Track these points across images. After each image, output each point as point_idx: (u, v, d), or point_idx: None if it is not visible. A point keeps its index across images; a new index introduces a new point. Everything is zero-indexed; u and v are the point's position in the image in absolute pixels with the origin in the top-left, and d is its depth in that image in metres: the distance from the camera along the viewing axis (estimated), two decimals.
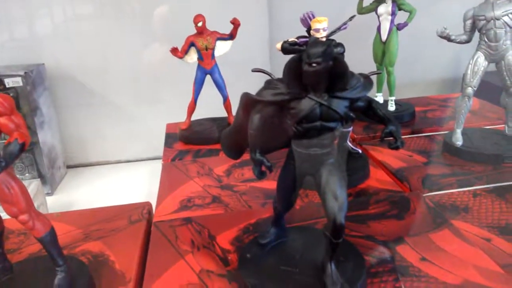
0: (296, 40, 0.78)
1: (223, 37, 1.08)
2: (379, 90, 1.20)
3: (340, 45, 0.78)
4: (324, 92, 0.48)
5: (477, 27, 0.88)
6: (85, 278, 0.57)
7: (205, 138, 1.09)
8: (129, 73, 1.41)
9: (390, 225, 0.67)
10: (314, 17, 0.80)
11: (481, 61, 0.89)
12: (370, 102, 0.51)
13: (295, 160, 0.52)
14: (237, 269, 0.57)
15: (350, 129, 0.89)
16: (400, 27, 1.11)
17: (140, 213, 0.75)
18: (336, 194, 0.48)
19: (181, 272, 0.59)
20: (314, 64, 0.45)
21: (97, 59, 1.39)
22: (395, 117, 1.12)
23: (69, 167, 1.49)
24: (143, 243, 0.67)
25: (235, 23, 1.06)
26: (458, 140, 0.93)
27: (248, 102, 0.50)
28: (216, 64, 1.09)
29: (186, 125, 1.13)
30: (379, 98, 1.20)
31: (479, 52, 0.89)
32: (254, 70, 0.85)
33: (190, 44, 1.06)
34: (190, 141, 1.10)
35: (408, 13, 1.09)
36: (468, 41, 0.90)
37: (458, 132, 0.94)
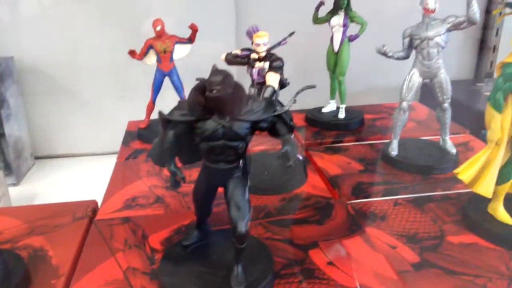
0: (238, 52, 0.84)
1: (182, 41, 1.12)
2: (332, 97, 1.26)
3: (279, 59, 0.84)
4: (228, 115, 0.53)
5: (413, 45, 0.94)
6: (20, 272, 0.62)
7: None
8: (98, 67, 1.45)
9: (310, 230, 0.73)
10: (258, 31, 0.85)
11: (416, 78, 0.95)
12: (275, 123, 0.56)
13: (205, 173, 0.58)
14: (158, 268, 0.62)
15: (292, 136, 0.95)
16: (351, 38, 1.16)
17: (84, 211, 0.80)
18: (239, 205, 0.54)
19: (109, 269, 0.64)
20: (214, 91, 0.51)
21: (66, 52, 1.42)
22: (344, 124, 1.19)
23: (37, 158, 1.53)
24: (81, 240, 0.72)
25: (193, 28, 1.10)
26: (394, 150, 1.00)
27: (162, 119, 0.56)
28: (174, 67, 1.13)
29: (145, 124, 1.18)
30: (332, 105, 1.26)
31: (414, 69, 0.95)
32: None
33: (149, 46, 1.10)
34: (147, 140, 1.14)
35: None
36: (405, 57, 0.96)
37: (395, 142, 1.01)
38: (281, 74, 0.87)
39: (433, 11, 0.91)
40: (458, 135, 1.15)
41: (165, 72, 1.12)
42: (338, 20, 1.15)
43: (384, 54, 0.96)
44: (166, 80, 1.13)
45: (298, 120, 1.27)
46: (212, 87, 0.51)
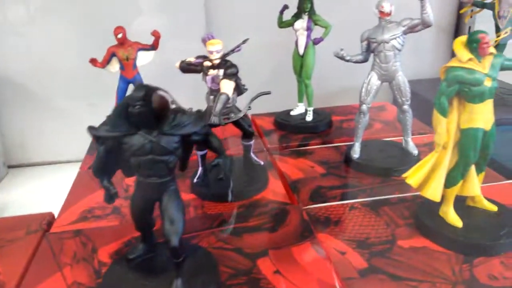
0: (191, 60, 0.84)
1: (145, 48, 1.12)
2: (300, 100, 1.26)
3: (233, 66, 0.84)
4: (155, 129, 0.53)
5: (371, 48, 0.94)
6: None
7: None
8: (71, 75, 1.44)
9: (262, 237, 0.73)
10: (212, 38, 0.85)
11: (374, 81, 0.95)
12: (207, 135, 0.56)
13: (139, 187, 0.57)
14: (101, 282, 0.62)
15: (251, 142, 0.95)
16: (316, 41, 1.17)
17: (39, 224, 0.80)
18: (172, 219, 0.54)
19: (55, 284, 0.64)
20: (136, 107, 0.51)
21: (40, 60, 1.42)
22: (312, 127, 1.19)
23: (10, 167, 1.52)
24: (32, 255, 0.72)
25: (155, 35, 1.10)
26: (355, 153, 1.00)
27: (92, 135, 0.55)
28: (138, 74, 1.13)
29: None
30: (300, 108, 1.26)
31: (372, 72, 0.95)
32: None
33: (111, 54, 1.10)
34: None
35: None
36: (364, 60, 0.97)
37: (356, 145, 1.01)
38: (238, 80, 0.87)
39: (388, 14, 0.91)
40: (424, 135, 1.15)
41: (129, 79, 1.12)
42: (301, 23, 1.15)
43: (342, 58, 0.96)
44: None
45: (267, 124, 1.27)
46: (134, 102, 0.51)
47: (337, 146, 1.11)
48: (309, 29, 1.15)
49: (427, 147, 1.07)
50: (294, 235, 0.73)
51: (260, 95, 0.85)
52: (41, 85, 1.45)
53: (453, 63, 0.66)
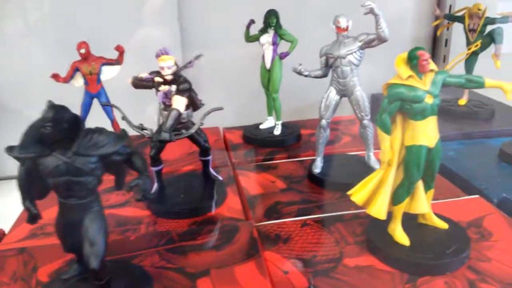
0: (143, 76, 0.83)
1: (110, 62, 1.11)
2: (269, 114, 1.26)
3: (186, 81, 0.83)
4: (69, 150, 0.52)
5: (329, 63, 0.93)
6: None
7: None
8: (41, 88, 1.43)
9: (206, 256, 0.72)
10: (166, 53, 0.84)
11: (333, 96, 0.95)
12: (131, 155, 0.55)
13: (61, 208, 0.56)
14: None
15: (209, 157, 0.94)
16: (282, 56, 1.16)
17: None
18: (93, 241, 0.53)
19: None
20: (47, 127, 0.50)
21: (8, 73, 1.41)
22: (279, 140, 1.19)
23: None
24: None
25: (119, 50, 1.10)
26: (317, 167, 0.99)
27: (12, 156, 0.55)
28: (102, 88, 1.12)
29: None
30: (270, 122, 1.26)
31: (331, 87, 0.95)
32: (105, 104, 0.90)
33: (75, 69, 1.10)
34: None
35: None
36: (323, 75, 0.96)
37: (318, 160, 1.00)
38: (194, 95, 0.86)
39: (344, 29, 0.91)
40: None
41: (93, 94, 1.12)
42: (267, 38, 1.15)
43: (299, 73, 0.95)
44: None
45: (236, 138, 1.26)
46: (45, 123, 0.50)
47: (302, 161, 1.10)
48: (275, 43, 1.15)
49: None
50: (240, 254, 0.72)
51: (212, 111, 0.85)
52: (10, 98, 1.44)
53: (394, 80, 0.66)
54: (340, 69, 0.91)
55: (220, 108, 0.85)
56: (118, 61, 1.12)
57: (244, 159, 1.12)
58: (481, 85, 0.66)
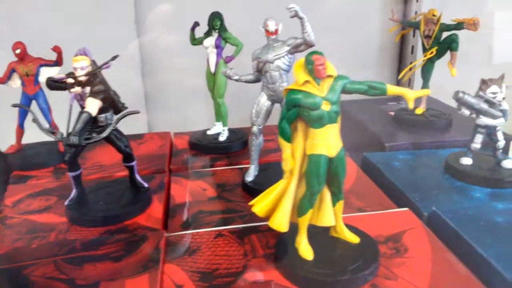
0: (55, 77, 0.81)
1: (48, 64, 1.09)
2: (217, 119, 1.23)
3: (101, 83, 0.81)
4: None
5: (259, 68, 0.90)
6: None
7: (29, 163, 1.10)
8: None
9: (103, 267, 0.69)
10: (84, 54, 0.82)
11: (264, 101, 0.91)
12: None
13: None
14: None
15: (133, 163, 0.91)
16: (227, 60, 1.14)
17: None
18: None
19: None
20: None
21: None
22: (224, 147, 1.15)
23: None
24: None
25: (57, 51, 1.07)
26: (249, 176, 0.96)
27: None
28: (40, 90, 1.10)
29: (13, 149, 1.14)
30: (218, 127, 1.23)
31: (262, 92, 0.92)
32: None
33: (11, 70, 1.07)
34: (16, 165, 1.10)
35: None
36: (255, 80, 0.93)
37: (252, 168, 0.97)
38: (115, 98, 0.84)
39: (273, 33, 0.88)
40: None
41: (30, 95, 1.09)
42: (211, 41, 1.12)
43: (229, 77, 0.92)
44: None
45: (183, 143, 1.23)
46: None
47: (243, 168, 1.07)
48: (218, 47, 1.12)
49: None
50: (137, 266, 0.69)
51: (127, 115, 0.82)
52: None
53: (292, 85, 0.62)
54: (269, 74, 0.88)
55: (136, 112, 0.82)
56: (57, 62, 1.09)
57: (183, 165, 1.09)
58: (383, 92, 0.63)
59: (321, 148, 0.62)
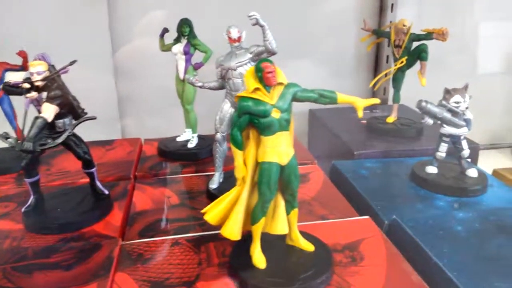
0: (11, 81, 0.80)
1: (13, 68, 1.08)
2: (187, 126, 1.22)
3: (58, 88, 0.80)
4: None
5: (222, 75, 0.90)
6: None
7: None
8: None
9: (51, 276, 0.67)
10: (41, 59, 0.81)
11: (227, 108, 0.91)
12: None
13: None
14: None
15: (93, 170, 0.89)
16: (196, 66, 1.13)
17: None
18: None
19: None
20: None
21: None
22: (193, 154, 1.14)
23: None
24: None
25: (21, 56, 1.06)
26: (213, 183, 0.95)
27: None
28: (5, 94, 1.08)
29: None
30: (188, 134, 1.22)
31: (226, 99, 0.91)
32: None
33: None
34: None
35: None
36: (219, 87, 0.92)
37: (216, 175, 0.96)
38: (74, 104, 0.82)
39: (235, 40, 0.87)
40: (306, 166, 1.11)
41: None
42: (179, 47, 1.12)
43: (192, 84, 0.92)
44: None
45: (152, 150, 1.22)
46: None
47: (210, 175, 1.06)
48: (187, 53, 1.12)
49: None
50: (88, 275, 0.67)
51: (84, 120, 0.81)
52: None
53: (243, 93, 0.62)
54: (232, 81, 0.88)
55: (93, 118, 0.81)
56: (23, 67, 1.08)
57: (149, 172, 1.08)
58: (333, 100, 0.62)
59: (272, 155, 0.62)
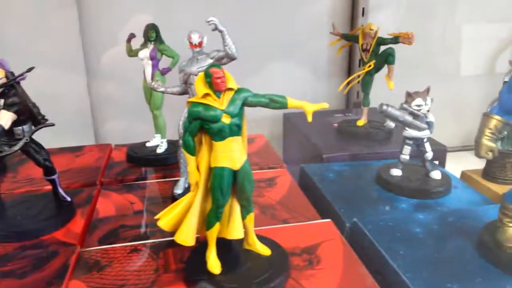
0: None
1: None
2: (156, 131, 1.21)
3: (15, 95, 0.79)
4: None
5: (185, 80, 0.90)
6: None
7: None
8: None
9: (5, 285, 0.66)
10: (1, 65, 0.80)
11: None
12: None
13: None
14: None
15: (55, 177, 0.89)
16: (163, 72, 1.13)
17: None
18: None
19: None
20: None
21: None
22: (162, 159, 1.13)
23: None
24: None
25: None
26: (178, 188, 0.95)
27: None
28: None
29: None
30: (157, 139, 1.21)
31: None
32: None
33: None
34: None
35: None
36: (182, 92, 0.92)
37: (182, 180, 0.96)
38: (34, 110, 0.82)
39: (196, 46, 0.87)
40: (275, 170, 1.11)
41: None
42: (145, 52, 1.12)
43: (154, 89, 0.92)
44: None
45: (120, 155, 1.21)
46: None
47: (177, 180, 1.05)
48: (154, 58, 1.11)
49: (266, 183, 1.03)
50: (41, 283, 0.67)
51: (42, 127, 0.80)
52: None
53: (193, 98, 0.62)
54: (194, 86, 0.88)
55: (51, 124, 0.80)
56: None
57: (115, 178, 1.07)
58: (284, 105, 0.63)
59: (224, 160, 0.62)
